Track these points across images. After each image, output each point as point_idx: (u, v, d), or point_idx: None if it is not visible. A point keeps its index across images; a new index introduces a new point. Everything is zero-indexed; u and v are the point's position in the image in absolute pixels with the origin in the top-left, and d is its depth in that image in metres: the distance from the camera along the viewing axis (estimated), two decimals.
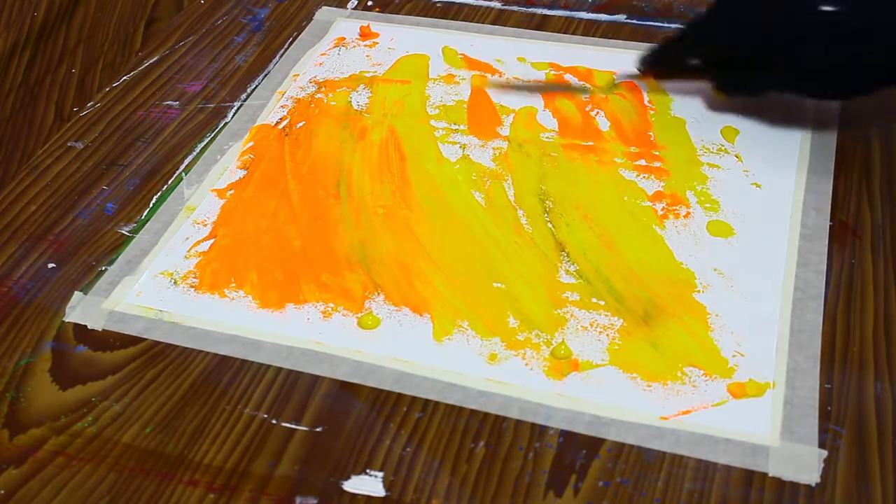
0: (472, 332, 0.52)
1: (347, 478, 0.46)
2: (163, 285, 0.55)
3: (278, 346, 0.52)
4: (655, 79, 0.67)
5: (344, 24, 0.76)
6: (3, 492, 0.46)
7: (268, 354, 0.51)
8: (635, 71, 0.66)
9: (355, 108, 0.68)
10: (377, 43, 0.74)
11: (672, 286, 0.53)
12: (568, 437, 0.47)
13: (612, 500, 0.44)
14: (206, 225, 0.59)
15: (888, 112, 0.65)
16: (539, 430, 0.47)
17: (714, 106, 0.65)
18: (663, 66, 0.66)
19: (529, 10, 0.77)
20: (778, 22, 0.58)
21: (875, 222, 0.57)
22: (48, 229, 0.60)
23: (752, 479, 0.45)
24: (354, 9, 0.78)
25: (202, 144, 0.66)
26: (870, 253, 0.55)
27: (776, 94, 0.63)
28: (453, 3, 0.78)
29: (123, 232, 0.59)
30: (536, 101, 0.67)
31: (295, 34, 0.76)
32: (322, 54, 0.73)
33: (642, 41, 0.72)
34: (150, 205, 0.61)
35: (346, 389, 0.50)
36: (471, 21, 0.76)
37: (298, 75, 0.71)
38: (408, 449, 0.47)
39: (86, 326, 0.54)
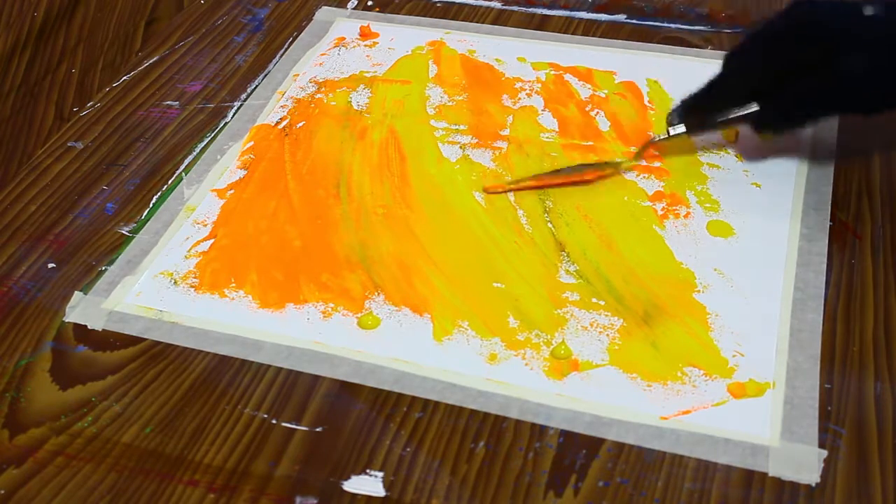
0: (472, 332, 0.52)
1: (347, 478, 0.46)
2: (163, 285, 0.55)
3: (278, 346, 0.52)
4: (690, 134, 0.60)
5: (344, 24, 0.76)
6: (3, 492, 0.46)
7: (268, 354, 0.51)
8: (667, 132, 0.60)
9: (355, 108, 0.67)
10: (377, 43, 0.74)
11: (672, 286, 0.53)
12: (568, 437, 0.47)
13: (612, 500, 0.44)
14: (206, 225, 0.59)
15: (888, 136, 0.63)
16: (539, 430, 0.47)
17: (763, 146, 0.61)
18: (698, 119, 0.59)
19: (529, 10, 0.77)
20: (819, 34, 0.54)
21: (875, 222, 0.57)
22: (48, 229, 0.60)
23: (752, 479, 0.45)
24: (354, 9, 0.78)
25: (202, 144, 0.66)
26: (870, 253, 0.55)
27: (822, 118, 0.59)
28: (453, 3, 0.78)
29: (123, 232, 0.59)
30: (537, 102, 0.67)
31: (295, 34, 0.76)
32: (322, 54, 0.73)
33: (642, 41, 0.72)
34: (150, 205, 0.61)
35: (346, 389, 0.50)
36: (471, 21, 0.76)
37: (298, 75, 0.71)
38: (408, 449, 0.47)
39: (86, 326, 0.54)
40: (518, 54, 0.71)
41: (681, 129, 0.59)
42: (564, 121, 0.65)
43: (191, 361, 0.51)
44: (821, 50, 0.54)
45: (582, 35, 0.74)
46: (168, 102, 0.70)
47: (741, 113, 0.57)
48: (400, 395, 0.49)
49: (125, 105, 0.70)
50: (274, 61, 0.73)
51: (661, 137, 0.60)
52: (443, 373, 0.50)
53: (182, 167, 0.64)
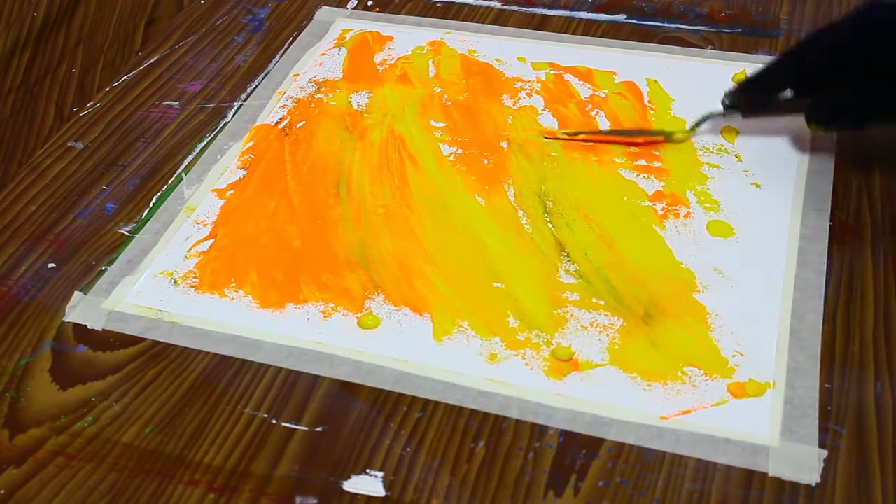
0: (472, 332, 0.52)
1: (347, 478, 0.46)
2: (163, 285, 0.55)
3: (278, 346, 0.52)
4: (744, 116, 0.62)
5: (344, 24, 0.76)
6: (3, 492, 0.46)
7: (268, 354, 0.51)
8: (718, 108, 0.61)
9: (355, 108, 0.68)
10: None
11: (672, 286, 0.53)
12: (568, 437, 0.47)
13: (612, 500, 0.44)
14: (206, 225, 0.59)
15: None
16: (539, 430, 0.47)
17: (816, 139, 0.61)
18: (752, 100, 0.60)
19: (529, 9, 0.77)
20: (882, 43, 0.53)
21: (875, 222, 0.57)
22: (48, 229, 0.60)
23: (752, 479, 0.45)
24: (354, 9, 0.79)
25: (202, 144, 0.66)
26: (870, 253, 0.55)
27: (880, 124, 0.58)
28: (453, 2, 0.78)
29: (123, 232, 0.59)
30: (537, 102, 0.67)
31: (295, 34, 0.76)
32: (322, 54, 0.73)
33: (642, 41, 0.72)
34: (150, 205, 0.61)
35: (346, 389, 0.50)
36: (471, 21, 0.76)
37: (298, 75, 0.71)
38: (408, 449, 0.47)
39: (86, 326, 0.54)
40: (518, 54, 0.71)
41: (734, 108, 0.61)
42: (564, 121, 0.65)
43: (191, 361, 0.51)
44: (890, 58, 0.52)
45: (582, 35, 0.74)
46: (168, 102, 0.70)
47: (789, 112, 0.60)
48: (400, 395, 0.49)
49: (125, 105, 0.70)
50: (274, 61, 0.73)
51: (717, 112, 0.62)
52: (443, 373, 0.50)
53: (182, 167, 0.64)
